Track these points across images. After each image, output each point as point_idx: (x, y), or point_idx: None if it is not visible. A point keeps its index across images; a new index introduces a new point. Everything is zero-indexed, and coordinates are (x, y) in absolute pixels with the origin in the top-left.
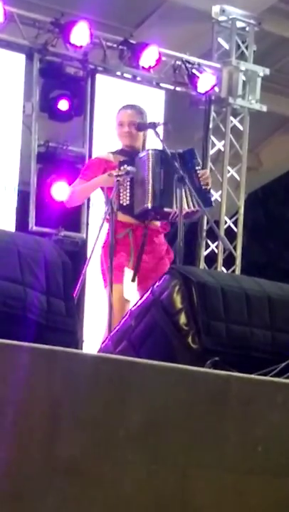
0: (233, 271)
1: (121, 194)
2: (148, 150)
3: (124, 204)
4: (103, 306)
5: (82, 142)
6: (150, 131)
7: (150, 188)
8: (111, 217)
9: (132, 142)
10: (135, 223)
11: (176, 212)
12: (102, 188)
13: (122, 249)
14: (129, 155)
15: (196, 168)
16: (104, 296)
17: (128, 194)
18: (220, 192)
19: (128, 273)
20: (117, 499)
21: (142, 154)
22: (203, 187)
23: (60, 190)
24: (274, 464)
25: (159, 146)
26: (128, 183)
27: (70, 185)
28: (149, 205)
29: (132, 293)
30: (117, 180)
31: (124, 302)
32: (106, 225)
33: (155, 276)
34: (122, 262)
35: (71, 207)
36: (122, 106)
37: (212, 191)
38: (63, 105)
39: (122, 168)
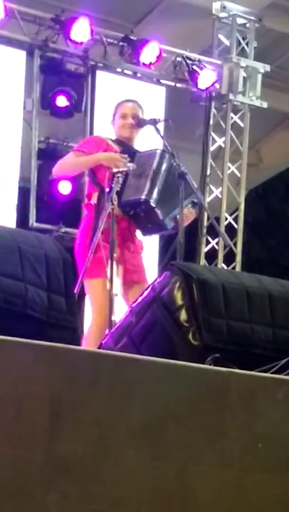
0: (234, 267)
1: (113, 182)
2: (157, 149)
3: (114, 188)
4: (88, 299)
5: (82, 138)
6: (150, 128)
7: (150, 182)
8: (112, 214)
9: (132, 134)
10: (120, 215)
11: (157, 225)
12: (94, 170)
13: (105, 240)
14: (127, 148)
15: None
16: (88, 290)
17: (120, 183)
18: (220, 188)
19: (118, 267)
20: (117, 496)
21: (149, 151)
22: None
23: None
24: (274, 460)
25: (160, 143)
26: (123, 174)
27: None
28: (143, 197)
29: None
30: (116, 176)
31: (107, 294)
32: (85, 213)
33: (136, 269)
34: (106, 254)
35: (58, 176)
36: (122, 100)
37: (212, 187)
38: (61, 101)
39: (126, 162)
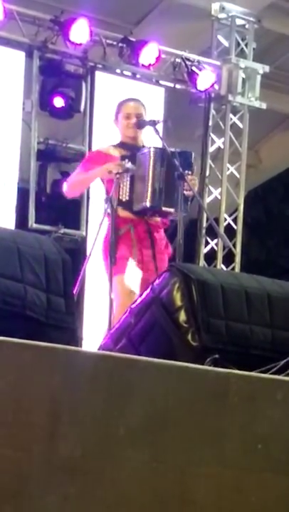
0: (233, 268)
1: (120, 190)
2: (150, 147)
3: (124, 200)
4: (107, 299)
5: (81, 139)
6: (149, 129)
7: (150, 186)
8: (112, 214)
9: (136, 134)
10: (136, 218)
11: (173, 212)
12: (102, 182)
13: (124, 243)
14: (131, 149)
15: (187, 172)
16: (108, 289)
17: (128, 190)
18: (219, 189)
19: (132, 264)
20: (117, 497)
21: (143, 151)
22: (186, 193)
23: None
24: (274, 461)
25: (159, 144)
26: (128, 179)
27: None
28: (148, 204)
29: (134, 283)
30: (117, 177)
31: (130, 293)
32: (106, 221)
33: (155, 272)
34: (125, 253)
35: (71, 197)
36: (124, 99)
37: (211, 188)
38: (61, 102)
39: (122, 163)
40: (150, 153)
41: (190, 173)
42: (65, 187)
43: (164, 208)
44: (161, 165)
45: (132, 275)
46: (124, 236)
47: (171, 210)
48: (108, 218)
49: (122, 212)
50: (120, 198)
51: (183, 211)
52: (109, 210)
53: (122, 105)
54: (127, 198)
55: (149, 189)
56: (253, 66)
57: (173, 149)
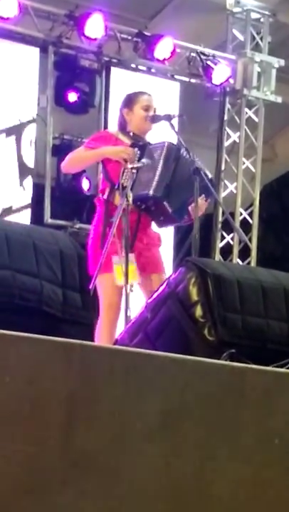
0: (249, 262)
1: (124, 175)
2: (164, 141)
3: (125, 185)
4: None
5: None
6: (165, 124)
7: (158, 177)
8: (127, 210)
9: (151, 127)
10: (131, 207)
11: (170, 216)
12: (105, 164)
13: (117, 234)
14: (136, 139)
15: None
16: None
17: (132, 178)
18: (235, 184)
19: (116, 259)
20: (133, 492)
21: (157, 143)
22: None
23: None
24: None
25: (174, 138)
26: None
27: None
28: (151, 193)
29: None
30: (133, 172)
31: (117, 289)
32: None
33: (151, 263)
34: (116, 248)
35: (67, 172)
36: (138, 91)
37: (227, 182)
38: (75, 97)
39: (134, 153)
40: (164, 147)
41: (203, 197)
42: (65, 161)
43: (164, 203)
44: (173, 161)
45: (121, 270)
46: (119, 227)
47: (170, 209)
48: (99, 205)
49: (118, 199)
50: (122, 182)
51: (178, 217)
52: (101, 195)
53: (139, 96)
54: (131, 183)
55: (156, 179)
56: (268, 60)
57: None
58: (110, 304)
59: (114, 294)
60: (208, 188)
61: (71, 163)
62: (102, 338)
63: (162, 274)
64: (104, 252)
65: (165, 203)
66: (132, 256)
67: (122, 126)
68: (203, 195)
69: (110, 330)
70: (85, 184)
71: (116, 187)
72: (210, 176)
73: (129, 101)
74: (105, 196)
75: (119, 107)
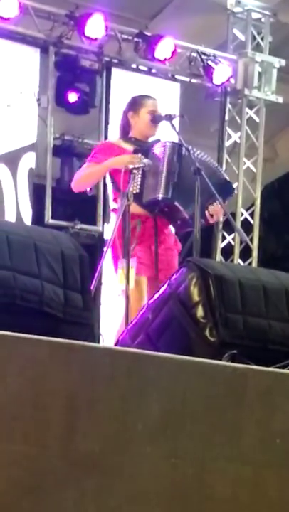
0: (250, 263)
1: (132, 182)
2: (166, 142)
3: (134, 192)
4: (119, 298)
5: (97, 135)
6: (166, 124)
7: (164, 179)
8: (127, 210)
9: (155, 132)
10: (144, 214)
11: (185, 220)
12: (111, 175)
13: (131, 240)
14: (142, 144)
15: (218, 200)
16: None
17: (139, 182)
18: (236, 184)
19: (121, 263)
20: (135, 492)
21: (158, 145)
22: (210, 220)
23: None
24: None
25: (175, 139)
26: (140, 172)
27: None
28: (160, 196)
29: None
30: (132, 172)
31: (141, 294)
32: (113, 217)
33: (166, 267)
34: (133, 254)
35: (79, 191)
36: (144, 95)
37: None
38: (76, 98)
39: (139, 157)
40: (166, 148)
41: (221, 201)
42: (75, 181)
43: (176, 203)
44: (177, 160)
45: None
46: (131, 233)
47: (182, 209)
48: (115, 214)
49: (131, 207)
50: (130, 190)
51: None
52: (117, 206)
53: (146, 100)
54: (137, 190)
55: (163, 181)
56: (269, 60)
57: (224, 177)
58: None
59: (136, 296)
60: (222, 190)
61: (80, 181)
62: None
63: None
64: (127, 258)
65: (176, 203)
66: (132, 261)
67: (125, 130)
68: (217, 201)
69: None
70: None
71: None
72: (223, 173)
73: (135, 104)
74: (118, 205)
75: (124, 109)
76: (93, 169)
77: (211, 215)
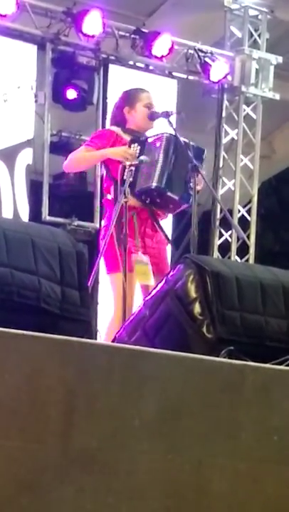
0: (247, 259)
1: (126, 171)
2: (163, 133)
3: (127, 181)
4: (109, 293)
5: (94, 132)
6: (163, 121)
7: (159, 168)
8: (126, 207)
9: (153, 126)
10: (139, 206)
11: (177, 202)
12: (106, 164)
13: (128, 233)
14: (136, 135)
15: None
16: (109, 284)
17: (133, 172)
18: (233, 181)
19: (139, 258)
20: (133, 488)
21: (155, 136)
22: (190, 186)
23: None
24: None
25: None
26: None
27: None
28: (154, 185)
29: (145, 274)
30: (131, 170)
31: (134, 289)
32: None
33: (158, 260)
34: (129, 247)
35: (70, 171)
36: (137, 88)
37: (225, 179)
38: (73, 94)
39: (135, 153)
40: (163, 139)
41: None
42: (68, 161)
43: (169, 193)
44: (173, 152)
45: (143, 267)
46: (128, 225)
47: (176, 197)
48: (108, 205)
49: (124, 198)
50: (124, 178)
51: (185, 202)
52: (110, 197)
53: (140, 94)
54: (131, 179)
55: (158, 171)
56: (266, 57)
57: (186, 140)
58: (122, 301)
59: (127, 292)
60: (197, 157)
61: (73, 163)
62: (111, 335)
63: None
64: (102, 250)
65: (169, 193)
66: (146, 258)
67: (119, 124)
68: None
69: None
70: (83, 181)
71: (120, 184)
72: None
73: (130, 98)
74: (112, 196)
75: (117, 104)
76: (88, 154)
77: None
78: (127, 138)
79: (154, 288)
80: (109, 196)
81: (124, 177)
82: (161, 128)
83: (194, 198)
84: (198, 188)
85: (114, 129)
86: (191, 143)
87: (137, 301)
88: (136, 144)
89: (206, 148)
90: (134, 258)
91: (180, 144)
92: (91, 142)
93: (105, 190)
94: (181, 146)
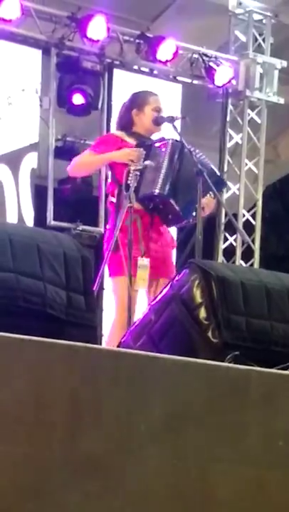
0: (252, 264)
1: (130, 176)
2: (169, 139)
3: (131, 186)
4: (111, 297)
5: (99, 136)
6: (168, 126)
7: (162, 175)
8: (131, 212)
9: (160, 130)
10: (141, 209)
11: (178, 214)
12: (111, 167)
13: (128, 236)
14: (142, 139)
15: (209, 193)
16: (111, 287)
17: (137, 176)
18: (238, 185)
19: (142, 262)
20: (138, 494)
21: (161, 141)
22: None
23: None
24: None
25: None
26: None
27: None
28: (156, 191)
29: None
30: (136, 174)
31: (133, 294)
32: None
33: (162, 264)
34: (132, 252)
35: (74, 176)
36: (147, 91)
37: (230, 184)
38: (78, 99)
39: (140, 155)
40: (168, 144)
41: (211, 194)
42: (72, 165)
43: (171, 201)
44: (178, 158)
45: (144, 272)
46: (131, 228)
47: (177, 208)
48: (112, 208)
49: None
50: (128, 183)
51: (186, 217)
52: (114, 200)
53: (149, 97)
54: (135, 184)
55: (161, 177)
56: (271, 61)
57: (214, 168)
58: (123, 306)
59: (127, 296)
60: (216, 185)
61: (78, 167)
62: (112, 340)
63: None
64: (107, 254)
65: (171, 200)
66: (147, 261)
67: (125, 126)
68: (210, 193)
69: (122, 332)
70: (88, 186)
71: (124, 188)
72: (218, 172)
73: (139, 101)
74: (116, 199)
75: (125, 106)
76: (93, 158)
77: (203, 208)
78: (132, 142)
79: (160, 293)
80: (113, 199)
81: (129, 181)
82: (167, 132)
83: (199, 203)
84: (207, 211)
85: (118, 133)
86: (215, 170)
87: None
88: (142, 149)
89: (210, 153)
90: (139, 260)
91: (185, 151)
92: (95, 147)
93: (110, 193)
94: (187, 153)
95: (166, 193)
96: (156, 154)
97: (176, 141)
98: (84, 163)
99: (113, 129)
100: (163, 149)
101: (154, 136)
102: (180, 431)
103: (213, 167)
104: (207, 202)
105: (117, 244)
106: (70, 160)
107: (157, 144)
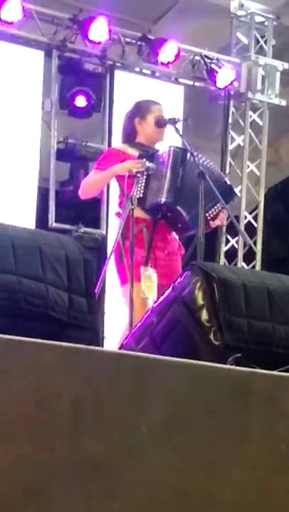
0: (254, 266)
1: (135, 186)
2: (170, 146)
3: (138, 196)
4: (122, 304)
5: (101, 138)
6: (169, 128)
7: (167, 183)
8: (132, 214)
9: (163, 137)
10: (148, 219)
11: (187, 222)
12: (118, 180)
13: (136, 245)
14: (148, 149)
15: (220, 205)
16: (121, 295)
17: (143, 187)
18: (240, 187)
19: (145, 272)
20: (140, 496)
21: (163, 150)
22: (211, 223)
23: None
24: None
25: (179, 142)
26: (144, 177)
27: None
28: (163, 200)
29: (150, 290)
30: (136, 176)
31: (143, 300)
32: (117, 221)
33: (169, 272)
34: (138, 259)
35: (85, 198)
36: (150, 100)
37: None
38: (81, 101)
39: (142, 161)
40: (170, 152)
41: (223, 203)
42: (81, 188)
43: (178, 207)
44: (181, 164)
45: (147, 282)
46: (136, 237)
47: (184, 214)
48: (118, 218)
49: (135, 211)
50: (134, 194)
51: (195, 226)
52: (120, 210)
53: (152, 105)
54: (141, 195)
55: (166, 185)
56: (273, 63)
57: (223, 176)
58: (134, 312)
59: (138, 302)
60: (225, 196)
61: (87, 189)
62: None
63: None
64: (131, 262)
65: (179, 207)
66: (153, 271)
67: (130, 136)
68: (218, 205)
69: None
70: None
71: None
72: (227, 181)
73: (142, 110)
74: (122, 210)
75: (128, 114)
76: (99, 176)
77: (212, 219)
78: (135, 153)
79: (162, 295)
80: (120, 210)
81: (135, 191)
82: (168, 136)
83: (201, 204)
84: (218, 223)
85: (120, 146)
86: (224, 179)
87: None
88: (144, 159)
89: (212, 155)
90: (142, 270)
91: (188, 157)
92: (99, 165)
93: (119, 205)
94: (190, 160)
95: (173, 201)
96: (159, 163)
97: (178, 148)
98: (91, 184)
99: (115, 131)
100: (165, 157)
101: (158, 146)
102: (181, 433)
103: (222, 175)
104: (217, 213)
105: (122, 253)
106: (72, 162)
107: (160, 153)
